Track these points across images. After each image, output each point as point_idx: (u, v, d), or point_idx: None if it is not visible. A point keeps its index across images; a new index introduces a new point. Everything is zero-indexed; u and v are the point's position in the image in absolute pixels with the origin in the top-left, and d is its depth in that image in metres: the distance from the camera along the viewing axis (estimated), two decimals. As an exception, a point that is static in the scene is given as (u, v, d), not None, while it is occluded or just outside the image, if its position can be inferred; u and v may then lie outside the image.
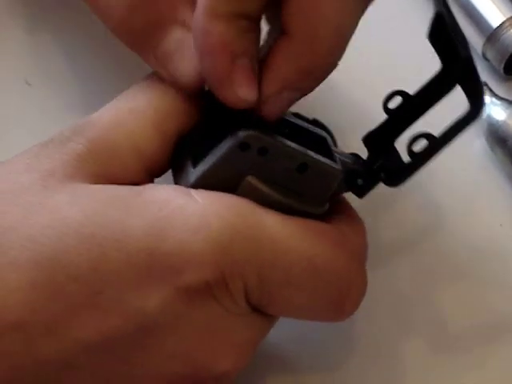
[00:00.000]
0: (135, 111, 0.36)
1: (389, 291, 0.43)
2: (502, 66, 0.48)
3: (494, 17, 0.48)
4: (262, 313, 0.35)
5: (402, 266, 0.44)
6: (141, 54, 0.38)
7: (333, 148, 0.38)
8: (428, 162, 0.36)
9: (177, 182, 0.37)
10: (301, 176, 0.36)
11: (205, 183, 0.35)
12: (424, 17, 0.36)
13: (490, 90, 0.47)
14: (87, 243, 0.32)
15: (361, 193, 0.38)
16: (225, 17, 0.34)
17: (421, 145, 0.36)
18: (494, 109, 0.47)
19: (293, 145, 0.35)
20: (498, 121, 0.46)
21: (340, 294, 0.36)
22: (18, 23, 0.50)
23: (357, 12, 0.35)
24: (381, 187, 0.38)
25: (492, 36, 0.48)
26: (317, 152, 0.36)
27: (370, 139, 0.39)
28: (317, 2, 0.34)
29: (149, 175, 0.36)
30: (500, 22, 0.48)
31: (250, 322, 0.35)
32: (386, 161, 0.38)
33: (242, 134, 0.35)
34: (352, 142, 0.39)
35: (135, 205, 0.33)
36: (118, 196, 0.34)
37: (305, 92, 0.36)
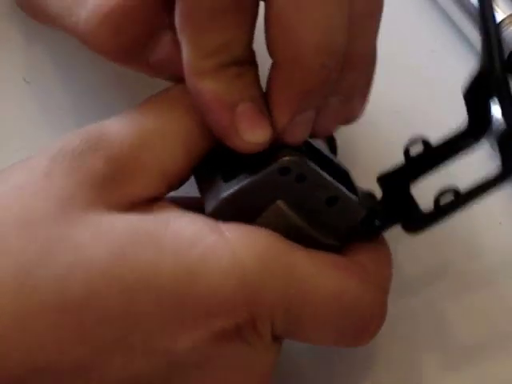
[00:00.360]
0: (163, 132, 0.35)
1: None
2: (502, 63, 0.48)
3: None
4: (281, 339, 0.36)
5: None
6: (133, 67, 0.37)
7: (355, 185, 0.38)
8: (449, 216, 0.37)
9: (203, 194, 0.36)
10: (328, 207, 0.36)
11: (235, 200, 0.35)
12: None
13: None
14: (116, 285, 0.31)
15: (375, 233, 0.38)
16: (211, 72, 0.33)
17: (447, 198, 0.36)
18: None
19: (328, 177, 0.35)
20: (497, 119, 0.46)
21: (361, 327, 0.36)
22: (17, 21, 0.50)
23: (337, 20, 0.33)
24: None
25: (492, 33, 0.48)
26: (346, 186, 0.36)
27: (384, 180, 0.39)
28: (291, 25, 0.32)
29: (169, 189, 0.35)
30: (499, 20, 0.48)
31: (272, 352, 0.35)
32: (401, 205, 0.38)
33: (285, 158, 0.34)
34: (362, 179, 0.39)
35: (164, 242, 0.32)
36: (145, 231, 0.32)
37: (319, 105, 0.35)
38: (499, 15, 0.48)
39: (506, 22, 0.48)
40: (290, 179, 0.35)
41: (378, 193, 0.39)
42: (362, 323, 0.36)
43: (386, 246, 0.39)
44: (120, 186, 0.33)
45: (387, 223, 0.38)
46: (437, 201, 0.36)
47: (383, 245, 0.39)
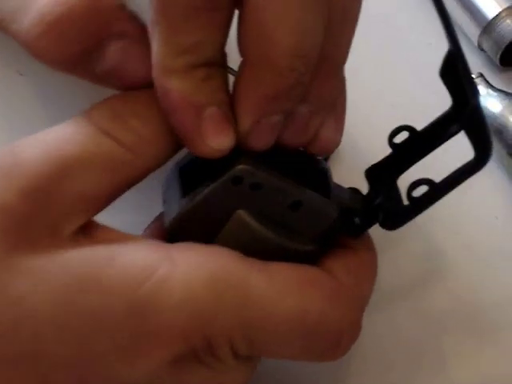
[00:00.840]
0: (82, 157, 0.33)
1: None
2: (498, 57, 0.48)
3: (491, 7, 0.48)
4: (252, 358, 0.35)
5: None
6: (79, 76, 0.36)
7: (332, 182, 0.36)
8: (427, 208, 0.35)
9: (164, 208, 0.36)
10: (293, 213, 0.35)
11: (192, 215, 0.34)
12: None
13: (486, 82, 0.47)
14: (65, 333, 0.31)
15: (356, 233, 0.37)
16: (180, 71, 0.32)
17: (421, 191, 0.35)
18: (489, 100, 0.46)
19: (287, 181, 0.34)
20: (493, 112, 0.46)
21: (329, 345, 0.35)
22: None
23: (313, 24, 0.33)
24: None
25: (488, 27, 0.48)
26: (314, 187, 0.35)
27: (372, 173, 0.38)
28: (265, 23, 0.32)
29: (95, 213, 0.33)
30: (496, 13, 0.48)
31: (241, 371, 0.34)
32: (385, 199, 0.36)
33: (237, 167, 0.33)
34: (353, 174, 0.38)
35: (110, 281, 0.31)
36: (88, 273, 0.31)
37: (286, 112, 0.34)
38: (496, 8, 0.48)
39: (503, 14, 0.48)
40: (245, 188, 0.34)
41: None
42: (330, 341, 0.35)
43: (371, 253, 0.37)
44: (41, 221, 0.32)
45: (367, 222, 0.37)
46: (410, 193, 0.34)
47: (369, 252, 0.37)
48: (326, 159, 0.39)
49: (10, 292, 0.31)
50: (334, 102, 0.36)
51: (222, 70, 0.34)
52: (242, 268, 0.33)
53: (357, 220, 0.37)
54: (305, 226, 0.35)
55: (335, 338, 0.35)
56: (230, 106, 0.34)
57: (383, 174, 0.37)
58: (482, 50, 0.49)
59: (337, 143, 0.37)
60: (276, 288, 0.33)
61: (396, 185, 0.37)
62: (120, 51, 0.35)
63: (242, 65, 0.33)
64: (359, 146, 0.45)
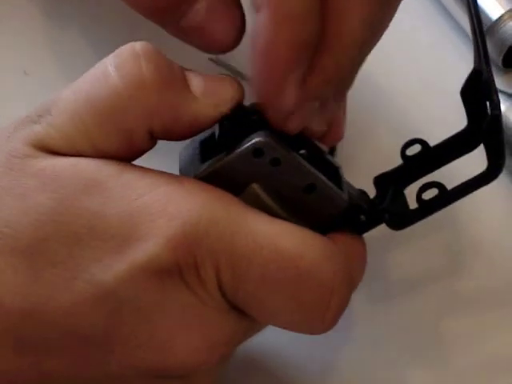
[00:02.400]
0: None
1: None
2: (501, 58, 0.48)
3: (493, 9, 0.48)
4: (243, 313, 0.35)
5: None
6: (165, 26, 0.38)
7: (343, 179, 0.37)
8: (434, 212, 0.36)
9: (181, 172, 0.36)
10: (306, 196, 0.35)
11: (207, 181, 0.34)
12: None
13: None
14: (63, 231, 0.32)
15: (361, 229, 0.37)
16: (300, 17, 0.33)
17: (431, 194, 0.35)
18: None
19: (306, 163, 0.35)
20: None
21: (320, 304, 0.34)
22: (16, 13, 0.50)
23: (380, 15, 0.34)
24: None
25: (491, 28, 0.48)
26: (328, 178, 0.36)
27: (381, 181, 0.39)
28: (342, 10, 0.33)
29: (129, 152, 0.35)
30: (499, 15, 0.48)
31: (228, 320, 0.34)
32: (391, 204, 0.37)
33: (258, 139, 0.34)
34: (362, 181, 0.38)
35: (112, 190, 0.33)
36: (95, 178, 0.33)
37: (327, 98, 0.35)
38: (498, 10, 0.48)
39: (505, 17, 0.48)
40: (265, 162, 0.34)
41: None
42: (320, 295, 0.34)
43: (363, 244, 0.38)
44: (64, 139, 0.34)
45: (373, 220, 0.37)
46: (419, 195, 0.35)
47: (361, 242, 0.38)
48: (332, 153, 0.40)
49: (18, 188, 0.33)
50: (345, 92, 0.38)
51: None
52: (245, 208, 0.34)
53: (362, 217, 0.37)
54: (314, 210, 0.36)
55: (325, 293, 0.34)
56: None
57: (391, 182, 0.38)
58: (484, 51, 0.49)
59: (343, 134, 0.38)
60: (275, 228, 0.34)
61: (403, 193, 0.38)
62: (206, 9, 0.37)
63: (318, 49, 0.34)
64: (358, 148, 0.46)
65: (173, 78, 0.34)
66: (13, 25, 0.50)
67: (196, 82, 0.35)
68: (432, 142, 0.38)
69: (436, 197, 0.35)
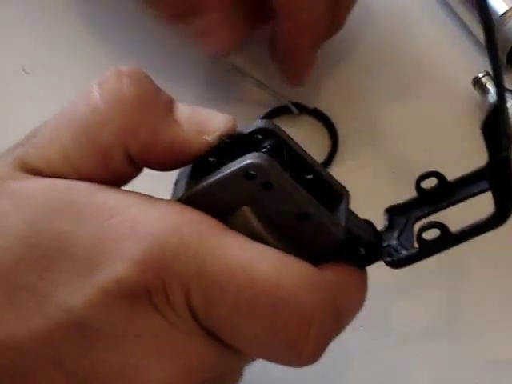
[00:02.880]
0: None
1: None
2: (505, 55, 0.48)
3: (497, 6, 0.48)
4: (224, 342, 0.32)
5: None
6: (177, 30, 0.44)
7: (347, 208, 0.35)
8: (435, 254, 0.33)
9: (173, 191, 0.34)
10: (299, 224, 0.33)
11: (196, 201, 0.33)
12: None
13: (493, 80, 0.47)
14: (34, 254, 0.32)
15: (361, 263, 0.35)
16: None
17: (433, 234, 0.33)
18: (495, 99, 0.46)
19: (300, 190, 0.33)
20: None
21: (296, 335, 0.32)
22: (16, 11, 0.50)
23: None
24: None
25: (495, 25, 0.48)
26: (328, 207, 0.33)
27: (392, 212, 0.36)
28: None
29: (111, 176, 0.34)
30: (503, 11, 0.48)
31: (206, 346, 0.32)
32: (396, 240, 0.35)
33: (250, 161, 0.32)
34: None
35: (84, 211, 0.32)
36: (67, 198, 0.32)
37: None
38: (502, 7, 0.48)
39: (509, 14, 0.48)
40: (256, 185, 0.32)
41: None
42: (298, 326, 0.32)
43: (362, 276, 0.35)
44: (39, 160, 0.33)
45: (374, 255, 0.35)
46: (420, 234, 0.33)
47: (359, 274, 0.35)
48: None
49: None
50: None
51: None
52: (221, 229, 0.32)
53: (362, 250, 0.35)
54: (306, 240, 0.33)
55: (303, 324, 0.32)
56: None
57: (403, 215, 0.36)
58: (488, 48, 0.49)
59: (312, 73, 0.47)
60: (251, 252, 0.32)
61: (412, 228, 0.35)
62: (211, 22, 0.43)
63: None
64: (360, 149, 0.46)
65: (155, 99, 0.33)
66: (12, 22, 0.50)
67: (183, 110, 0.34)
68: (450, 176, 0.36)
69: (438, 238, 0.33)
